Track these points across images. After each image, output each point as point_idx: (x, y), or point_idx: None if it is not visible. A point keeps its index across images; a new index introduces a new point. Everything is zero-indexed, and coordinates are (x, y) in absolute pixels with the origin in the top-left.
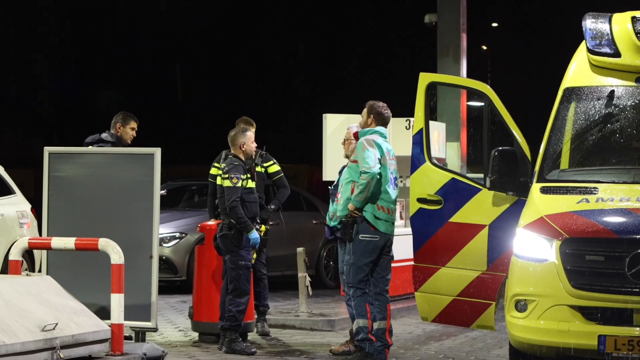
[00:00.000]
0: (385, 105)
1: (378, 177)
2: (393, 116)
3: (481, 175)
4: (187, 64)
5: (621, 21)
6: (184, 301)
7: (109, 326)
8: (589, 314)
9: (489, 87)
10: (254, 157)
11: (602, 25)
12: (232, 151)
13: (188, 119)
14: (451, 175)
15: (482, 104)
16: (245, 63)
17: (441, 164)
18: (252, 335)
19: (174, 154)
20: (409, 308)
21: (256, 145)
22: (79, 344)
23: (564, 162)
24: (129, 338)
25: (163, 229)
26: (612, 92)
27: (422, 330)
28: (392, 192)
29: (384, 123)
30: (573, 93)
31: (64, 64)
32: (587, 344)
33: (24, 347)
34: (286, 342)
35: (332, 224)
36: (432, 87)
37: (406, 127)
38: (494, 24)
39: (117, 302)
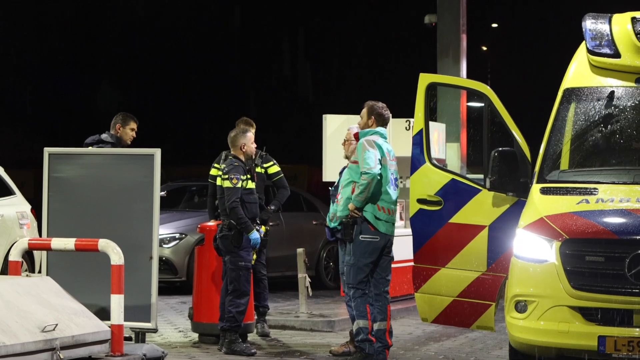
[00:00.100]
0: (385, 105)
1: (378, 177)
2: (393, 117)
3: (481, 176)
4: (187, 64)
5: (621, 22)
6: (184, 302)
7: (109, 327)
8: (589, 314)
9: (488, 87)
10: (254, 157)
11: (602, 26)
12: (232, 152)
13: (188, 120)
14: (451, 176)
15: (482, 104)
16: (245, 63)
17: (441, 165)
18: (252, 336)
19: (173, 155)
20: (409, 309)
21: (256, 146)
22: (79, 344)
23: (564, 163)
24: (128, 339)
25: (163, 230)
26: (612, 92)
27: (422, 331)
28: (393, 193)
29: (385, 123)
30: (573, 94)
31: (64, 64)
32: (587, 344)
33: (24, 348)
34: (286, 342)
35: (332, 225)
36: (432, 88)
37: (406, 127)
38: (494, 25)
39: (117, 303)
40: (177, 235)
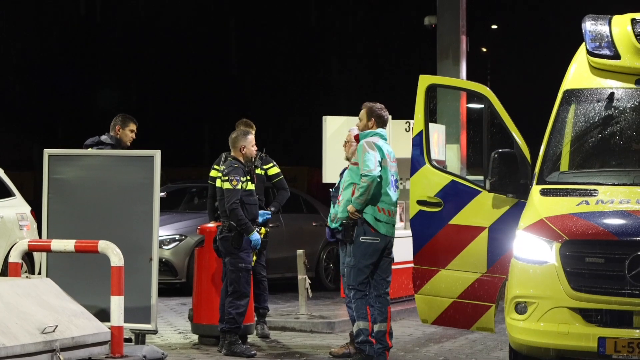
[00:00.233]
0: (383, 106)
1: (378, 179)
2: (393, 118)
3: (481, 178)
4: (187, 64)
5: (621, 23)
6: (184, 303)
7: (109, 328)
8: (589, 316)
9: (488, 89)
10: (253, 159)
11: (602, 28)
12: (232, 153)
13: (188, 121)
14: (451, 178)
15: (482, 106)
16: (245, 64)
17: (441, 166)
18: (252, 338)
19: (173, 156)
20: (409, 310)
21: (257, 148)
22: (78, 346)
23: (564, 164)
24: (128, 340)
25: (163, 231)
26: (612, 94)
27: (422, 333)
28: (393, 194)
29: (384, 125)
30: (573, 95)
31: (64, 65)
32: (587, 346)
33: (23, 350)
34: (286, 344)
35: (333, 225)
36: (432, 89)
37: (406, 129)
38: (494, 26)
39: (116, 305)
40: (177, 237)
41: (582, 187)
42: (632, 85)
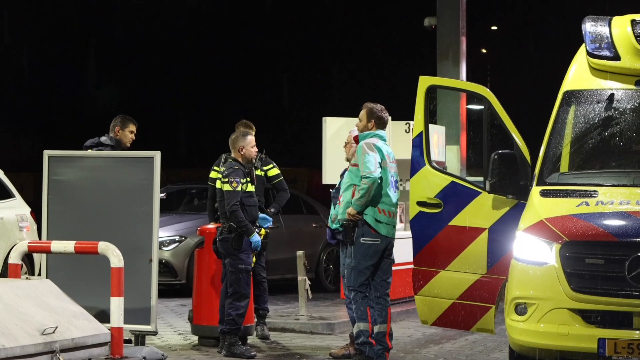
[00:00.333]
0: (383, 107)
1: (379, 181)
2: (393, 119)
3: (481, 179)
4: (186, 65)
5: (621, 24)
6: (184, 305)
7: (109, 329)
8: (589, 317)
9: (488, 90)
10: (253, 160)
11: (602, 29)
12: (231, 154)
13: (188, 122)
14: (451, 179)
15: (482, 107)
16: (245, 65)
17: (441, 167)
18: (251, 339)
19: (173, 158)
20: (409, 311)
21: (257, 150)
22: (78, 347)
23: (564, 166)
24: (128, 341)
25: (163, 233)
26: (612, 95)
27: (422, 334)
28: (393, 196)
29: (384, 126)
30: (573, 96)
31: (64, 64)
32: (587, 347)
33: (23, 351)
34: (286, 345)
35: (333, 226)
36: (431, 91)
37: (406, 130)
38: (494, 27)
39: (116, 306)
40: (177, 238)
41: (582, 188)
42: (632, 87)
